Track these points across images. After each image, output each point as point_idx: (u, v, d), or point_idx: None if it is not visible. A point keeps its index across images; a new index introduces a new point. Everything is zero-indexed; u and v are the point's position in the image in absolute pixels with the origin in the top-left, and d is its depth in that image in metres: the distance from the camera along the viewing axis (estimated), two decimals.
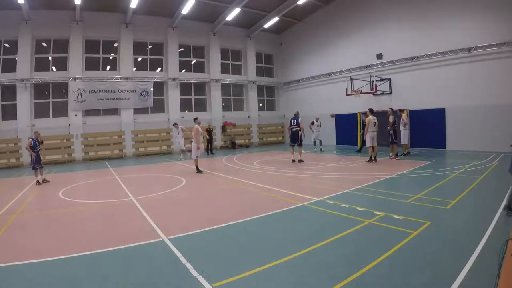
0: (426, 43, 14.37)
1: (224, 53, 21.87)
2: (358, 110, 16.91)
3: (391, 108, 12.52)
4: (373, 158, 10.96)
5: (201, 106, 21.19)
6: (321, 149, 15.82)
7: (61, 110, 16.83)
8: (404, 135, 12.18)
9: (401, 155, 12.01)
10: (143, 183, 9.62)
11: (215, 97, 21.02)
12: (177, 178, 9.65)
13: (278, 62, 24.44)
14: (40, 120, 16.15)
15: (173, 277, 3.26)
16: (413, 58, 15.00)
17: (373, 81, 15.16)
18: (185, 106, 20.41)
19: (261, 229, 4.78)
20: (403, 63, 15.47)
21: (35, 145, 9.70)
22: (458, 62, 13.46)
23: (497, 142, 12.07)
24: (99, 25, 17.15)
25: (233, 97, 22.72)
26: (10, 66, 15.51)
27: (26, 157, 14.02)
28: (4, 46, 15.63)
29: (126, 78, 17.96)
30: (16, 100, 15.57)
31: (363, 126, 14.21)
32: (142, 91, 18.39)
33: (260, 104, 23.93)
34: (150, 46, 19.39)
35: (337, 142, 19.24)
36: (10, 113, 15.69)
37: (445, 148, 13.97)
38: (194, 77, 20.37)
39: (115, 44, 18.16)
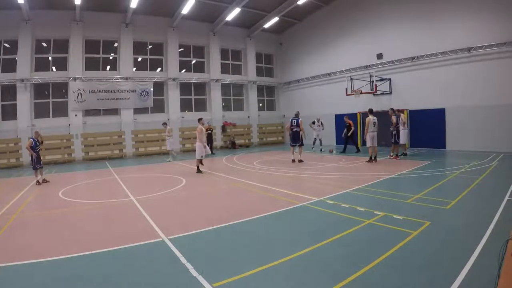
0: (426, 43, 14.37)
1: (224, 53, 21.88)
2: (358, 110, 16.94)
3: (391, 109, 12.50)
4: (373, 158, 10.96)
5: (201, 106, 21.20)
6: (320, 149, 15.81)
7: (61, 110, 16.83)
8: (403, 135, 12.18)
9: (401, 155, 12.01)
10: (143, 183, 9.62)
11: (215, 97, 21.03)
12: (177, 178, 9.65)
13: (278, 62, 24.45)
14: (40, 120, 16.15)
15: (173, 277, 3.26)
16: (413, 58, 15.00)
17: (373, 81, 15.17)
18: (185, 106, 20.41)
19: (261, 229, 4.77)
20: (403, 63, 15.47)
21: (35, 145, 9.70)
22: (458, 62, 13.45)
23: (497, 142, 12.09)
24: (99, 25, 17.16)
25: (233, 97, 22.73)
26: (10, 66, 15.51)
27: (26, 157, 14.05)
28: (4, 46, 15.63)
29: (126, 78, 17.96)
30: (16, 100, 15.57)
31: (346, 126, 14.28)
32: (142, 91, 18.40)
33: (260, 104, 23.94)
34: (150, 46, 19.39)
35: (337, 142, 19.23)
36: (10, 113, 15.69)
37: (445, 148, 13.97)
38: (194, 77, 20.38)
39: (115, 44, 18.17)
